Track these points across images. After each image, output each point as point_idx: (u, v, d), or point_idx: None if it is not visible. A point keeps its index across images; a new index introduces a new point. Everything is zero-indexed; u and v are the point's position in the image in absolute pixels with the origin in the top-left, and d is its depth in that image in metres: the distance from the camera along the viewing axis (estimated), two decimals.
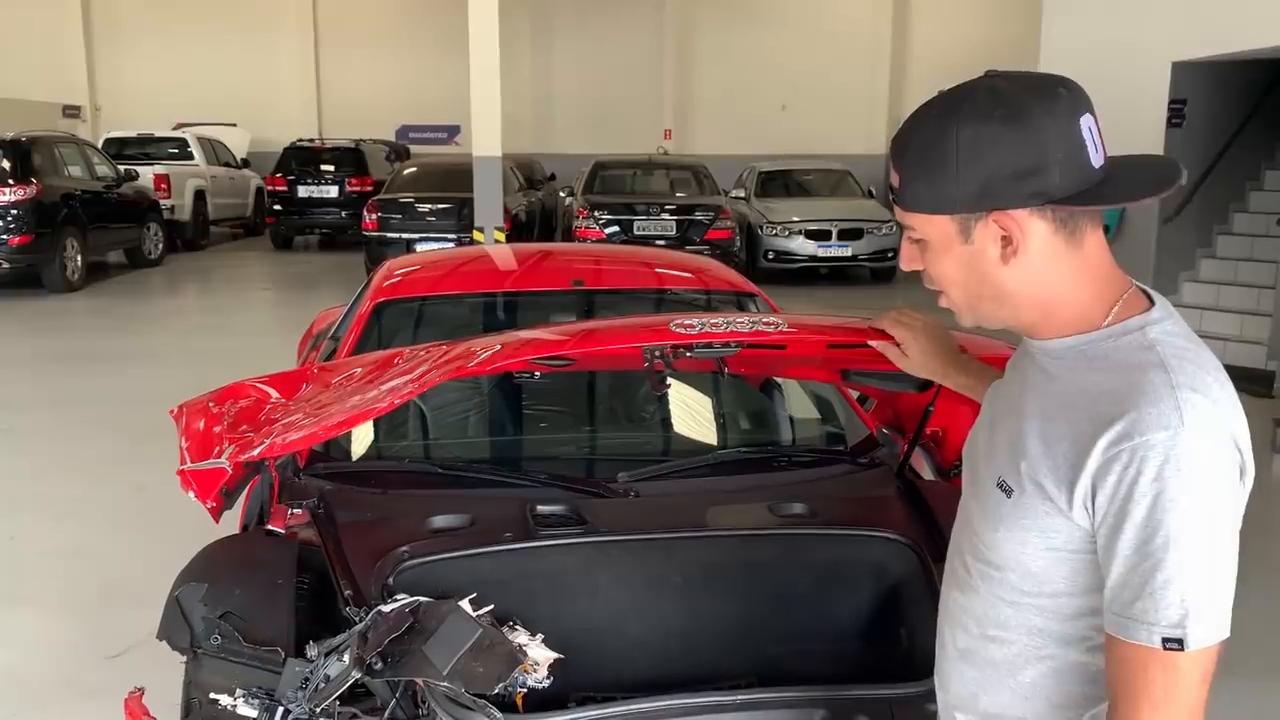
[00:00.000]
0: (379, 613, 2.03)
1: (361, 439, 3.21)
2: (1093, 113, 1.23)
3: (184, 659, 2.10)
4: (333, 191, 16.52)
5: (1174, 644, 1.13)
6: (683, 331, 1.99)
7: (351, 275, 13.05)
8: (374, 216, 12.84)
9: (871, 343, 1.81)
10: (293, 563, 2.34)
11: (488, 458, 3.18)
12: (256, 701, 1.95)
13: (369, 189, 15.70)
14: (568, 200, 14.94)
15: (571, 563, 2.34)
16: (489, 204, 11.70)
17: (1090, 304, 1.26)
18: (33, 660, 3.75)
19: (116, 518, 5.07)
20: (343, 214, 16.32)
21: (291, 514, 2.57)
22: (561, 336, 2.31)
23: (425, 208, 13.01)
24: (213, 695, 1.99)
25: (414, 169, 14.74)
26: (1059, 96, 1.22)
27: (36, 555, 4.71)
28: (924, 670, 1.70)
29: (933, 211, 1.27)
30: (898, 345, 1.76)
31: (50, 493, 5.47)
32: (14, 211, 11.25)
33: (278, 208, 16.68)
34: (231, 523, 2.74)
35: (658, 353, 2.06)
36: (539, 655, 2.02)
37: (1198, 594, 1.14)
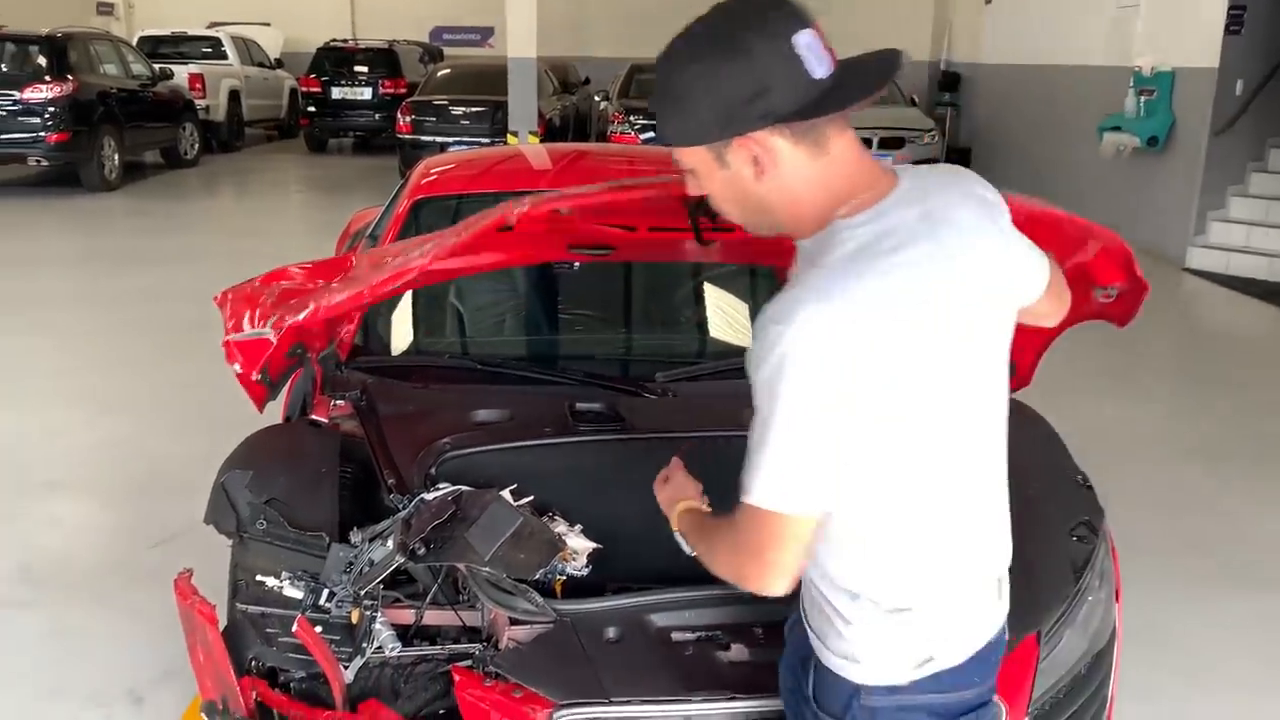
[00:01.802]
0: (422, 500, 2.07)
1: (401, 335, 3.24)
2: (810, 25, 1.31)
3: (230, 543, 2.16)
4: (366, 94, 16.37)
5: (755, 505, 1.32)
6: None
7: (385, 179, 13.00)
8: (408, 119, 12.75)
9: None
10: (336, 452, 2.38)
11: (526, 355, 3.20)
12: (302, 584, 2.01)
13: (403, 91, 15.54)
14: (602, 104, 14.73)
15: (609, 458, 2.37)
16: (523, 107, 11.56)
17: (826, 206, 1.36)
18: (82, 546, 3.88)
19: (158, 411, 5.17)
20: (376, 116, 16.20)
21: (334, 405, 2.61)
22: (597, 190, 2.22)
23: (459, 110, 12.90)
24: (259, 577, 2.05)
25: (448, 71, 14.56)
26: (768, 20, 1.30)
27: (82, 447, 4.82)
28: None
29: (687, 144, 1.39)
30: None
31: (92, 387, 5.57)
32: (51, 109, 11.26)
33: (312, 109, 16.57)
34: (274, 416, 2.79)
35: (701, 209, 2.00)
36: (578, 544, 2.06)
37: (758, 468, 1.31)
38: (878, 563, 1.42)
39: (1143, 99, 9.45)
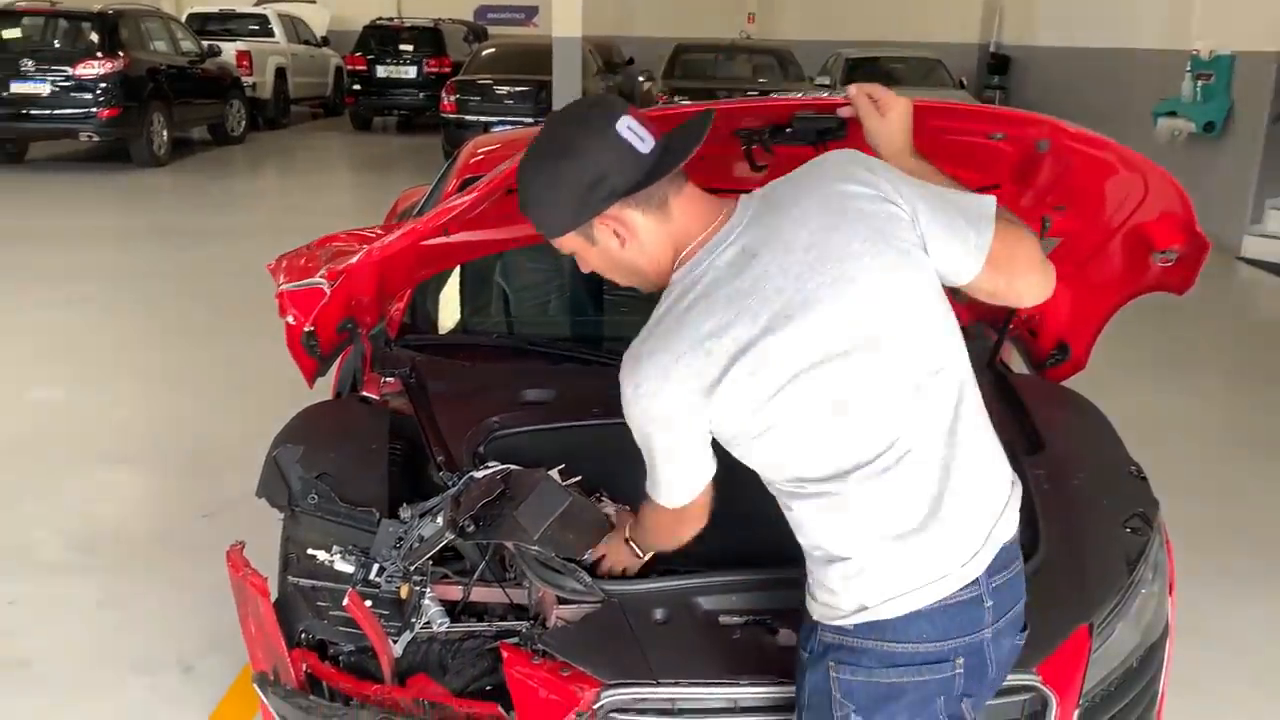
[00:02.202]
0: (471, 478, 2.08)
1: (449, 314, 3.25)
2: (627, 112, 1.52)
3: (281, 516, 2.19)
4: (411, 72, 16.41)
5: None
6: (783, 99, 1.92)
7: (429, 158, 13.07)
8: (452, 98, 12.76)
9: (850, 90, 1.82)
10: (386, 429, 2.39)
11: (572, 335, 3.20)
12: (353, 558, 2.02)
13: (447, 70, 15.56)
14: (646, 85, 14.66)
15: None
16: (567, 87, 11.55)
17: (672, 260, 1.58)
18: (134, 516, 3.95)
19: (208, 386, 5.24)
20: (420, 95, 16.23)
21: (384, 382, 2.63)
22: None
23: (503, 90, 12.89)
24: (310, 551, 2.07)
25: (492, 50, 14.54)
26: (591, 119, 1.53)
27: (133, 420, 4.90)
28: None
29: (558, 235, 1.60)
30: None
31: (143, 361, 5.66)
32: (103, 84, 11.40)
33: (357, 88, 16.64)
34: (324, 393, 2.81)
35: (755, 137, 2.00)
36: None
37: (657, 482, 1.64)
38: (814, 517, 1.56)
39: (1200, 83, 9.24)
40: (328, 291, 2.22)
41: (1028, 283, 1.65)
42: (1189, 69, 9.40)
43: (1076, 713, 1.89)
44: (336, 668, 2.00)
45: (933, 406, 1.53)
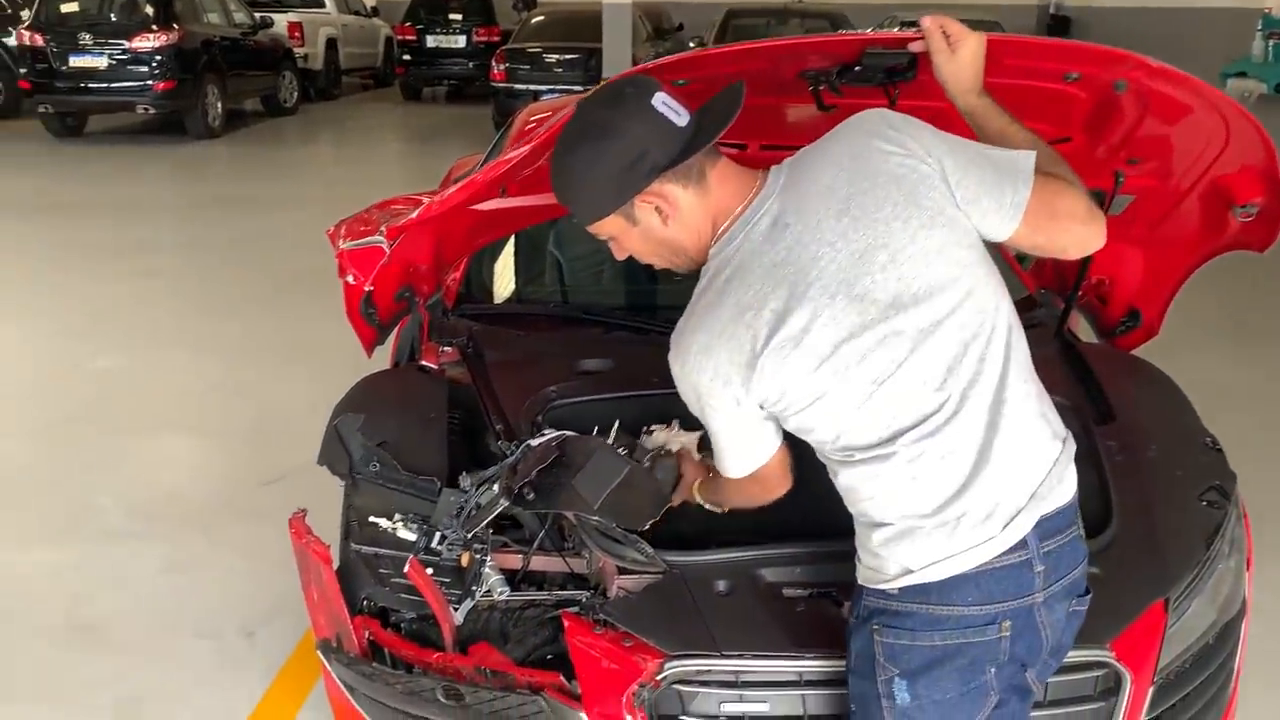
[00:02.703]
0: (527, 445, 2.06)
1: (503, 283, 3.24)
2: (661, 89, 1.53)
3: (342, 484, 2.19)
4: (460, 41, 16.38)
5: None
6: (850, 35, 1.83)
7: (480, 127, 13.07)
8: (502, 67, 12.73)
9: (925, 22, 1.74)
10: (444, 398, 2.39)
11: (627, 305, 3.17)
12: (415, 526, 2.02)
13: (496, 39, 15.53)
14: None
15: None
16: (618, 54, 11.46)
17: (710, 234, 1.58)
18: (195, 484, 4.00)
19: (267, 355, 5.29)
20: (470, 65, 16.19)
21: (442, 351, 2.62)
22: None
23: (553, 58, 12.84)
24: (371, 518, 2.07)
25: (541, 18, 14.48)
26: (626, 97, 1.52)
27: (192, 389, 4.97)
28: (1084, 531, 1.65)
29: (599, 219, 1.58)
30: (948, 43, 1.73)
31: (203, 331, 5.73)
32: (158, 57, 11.53)
33: (407, 58, 16.65)
34: (382, 363, 2.82)
35: (822, 78, 1.94)
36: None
37: (719, 453, 1.65)
38: (861, 483, 1.55)
39: (1272, 42, 8.98)
40: (387, 250, 2.21)
41: (1072, 237, 1.62)
42: (1260, 28, 9.12)
43: (1151, 690, 1.84)
44: (399, 635, 2.00)
45: (979, 365, 1.51)
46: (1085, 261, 2.51)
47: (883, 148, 1.53)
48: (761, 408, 1.55)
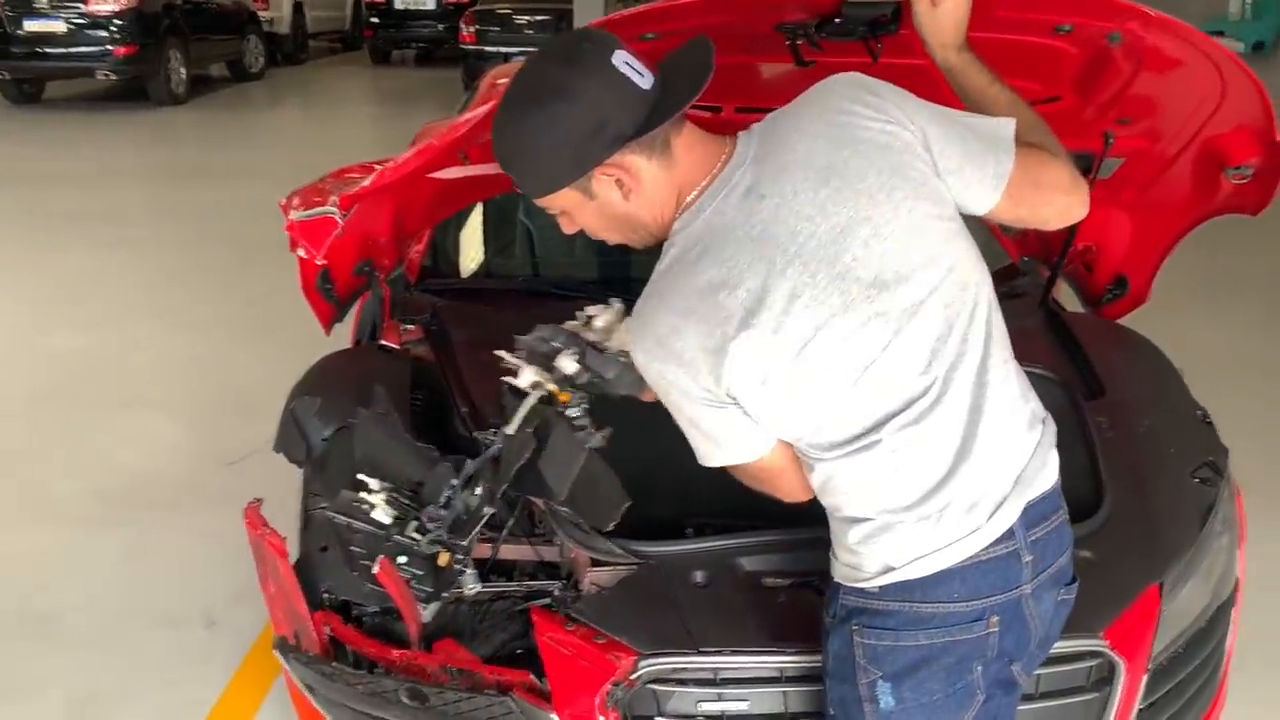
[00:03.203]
0: (506, 436, 1.94)
1: (470, 253, 3.13)
2: (621, 46, 1.35)
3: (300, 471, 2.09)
4: (429, 3, 16.09)
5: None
6: None
7: (450, 90, 12.81)
8: (471, 29, 12.54)
9: None
10: (407, 379, 2.28)
11: (600, 278, 3.06)
12: (395, 507, 1.88)
13: (465, 1, 15.24)
14: None
15: None
16: (589, 15, 11.20)
17: (674, 206, 1.43)
18: (157, 465, 3.87)
19: (231, 329, 5.15)
20: (440, 27, 15.93)
21: (404, 330, 2.51)
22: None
23: (523, 19, 12.64)
24: (359, 477, 1.88)
25: None
26: (584, 53, 1.35)
27: (157, 363, 4.84)
28: (1075, 513, 1.57)
29: (550, 193, 1.42)
30: None
31: (167, 303, 5.58)
32: (117, 21, 11.23)
33: (375, 21, 16.37)
34: (341, 340, 2.70)
35: (799, 30, 1.81)
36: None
37: (694, 445, 1.49)
38: (838, 476, 1.44)
39: (1247, 1, 8.87)
40: (340, 221, 2.08)
41: (1054, 209, 1.54)
42: None
43: (1144, 678, 1.77)
44: (360, 630, 1.91)
45: (961, 346, 1.41)
46: (1072, 228, 2.42)
47: (863, 114, 1.41)
48: (733, 399, 1.40)
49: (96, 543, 3.34)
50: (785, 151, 1.41)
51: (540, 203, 1.46)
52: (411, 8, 16.14)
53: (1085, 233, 2.54)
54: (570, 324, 1.80)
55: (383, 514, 1.87)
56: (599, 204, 1.42)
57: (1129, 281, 2.60)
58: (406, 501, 1.88)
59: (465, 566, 1.83)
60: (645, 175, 1.39)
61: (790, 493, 1.53)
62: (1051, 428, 1.53)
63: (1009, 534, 1.43)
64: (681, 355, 1.37)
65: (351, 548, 1.88)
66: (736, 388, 1.38)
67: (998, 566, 1.43)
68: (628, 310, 1.72)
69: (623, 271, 3.08)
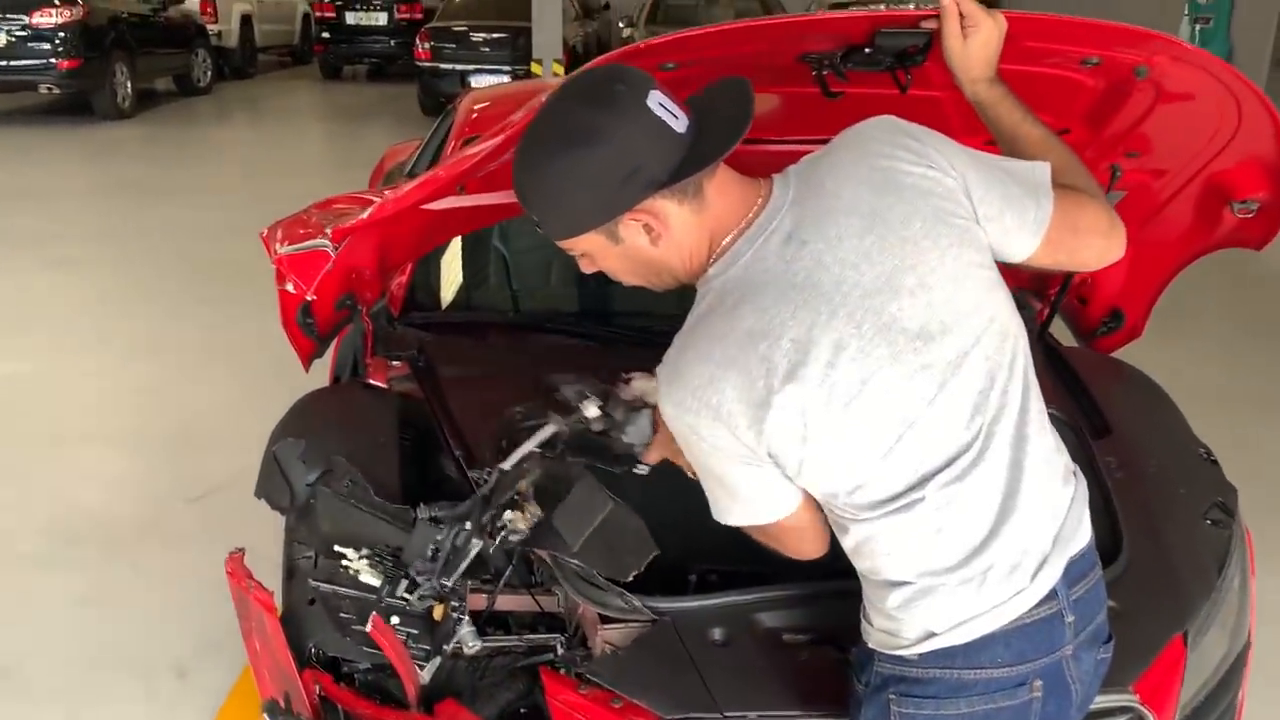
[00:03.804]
0: (501, 472, 1.85)
1: (450, 283, 3.03)
2: (656, 86, 1.29)
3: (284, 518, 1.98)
4: (382, 19, 15.95)
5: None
6: (860, 11, 1.63)
7: (403, 107, 12.70)
8: (426, 46, 12.38)
9: (944, 0, 1.55)
10: (394, 418, 2.19)
11: (588, 309, 2.97)
12: (381, 569, 1.80)
13: (419, 17, 15.18)
14: (627, 31, 14.28)
15: None
16: (548, 34, 11.12)
17: (709, 252, 1.37)
18: (113, 502, 3.69)
19: (186, 355, 4.97)
20: (392, 43, 15.82)
21: (391, 366, 2.41)
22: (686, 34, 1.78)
23: (479, 37, 12.51)
24: (338, 548, 1.82)
25: None
26: (618, 96, 1.28)
27: (113, 393, 4.65)
28: None
29: (574, 235, 1.36)
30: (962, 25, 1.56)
31: (117, 328, 5.38)
32: (62, 34, 10.93)
33: (326, 35, 16.17)
34: (319, 377, 2.59)
35: (825, 61, 1.74)
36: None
37: (714, 503, 1.43)
38: (876, 538, 1.37)
39: (1198, 26, 9.08)
40: (333, 255, 1.99)
41: (1093, 252, 1.51)
42: (1186, 12, 9.23)
43: None
44: (353, 689, 1.80)
45: (1002, 399, 1.36)
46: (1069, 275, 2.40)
47: (904, 158, 1.36)
48: (771, 457, 1.33)
49: (51, 586, 3.18)
50: (826, 197, 1.35)
51: (562, 245, 1.40)
52: (364, 23, 15.98)
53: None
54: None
55: (369, 577, 1.79)
56: (624, 249, 1.36)
57: (1125, 315, 2.58)
58: (390, 562, 1.79)
59: (461, 614, 1.75)
60: (675, 220, 1.34)
61: (802, 550, 1.48)
62: (1083, 481, 1.49)
63: (1052, 594, 1.38)
64: (719, 408, 1.30)
65: (342, 615, 1.79)
66: (777, 443, 1.31)
67: (1041, 628, 1.38)
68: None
69: (611, 303, 3.01)
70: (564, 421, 1.74)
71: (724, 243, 1.36)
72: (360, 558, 1.80)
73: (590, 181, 1.29)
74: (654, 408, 1.74)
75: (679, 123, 1.30)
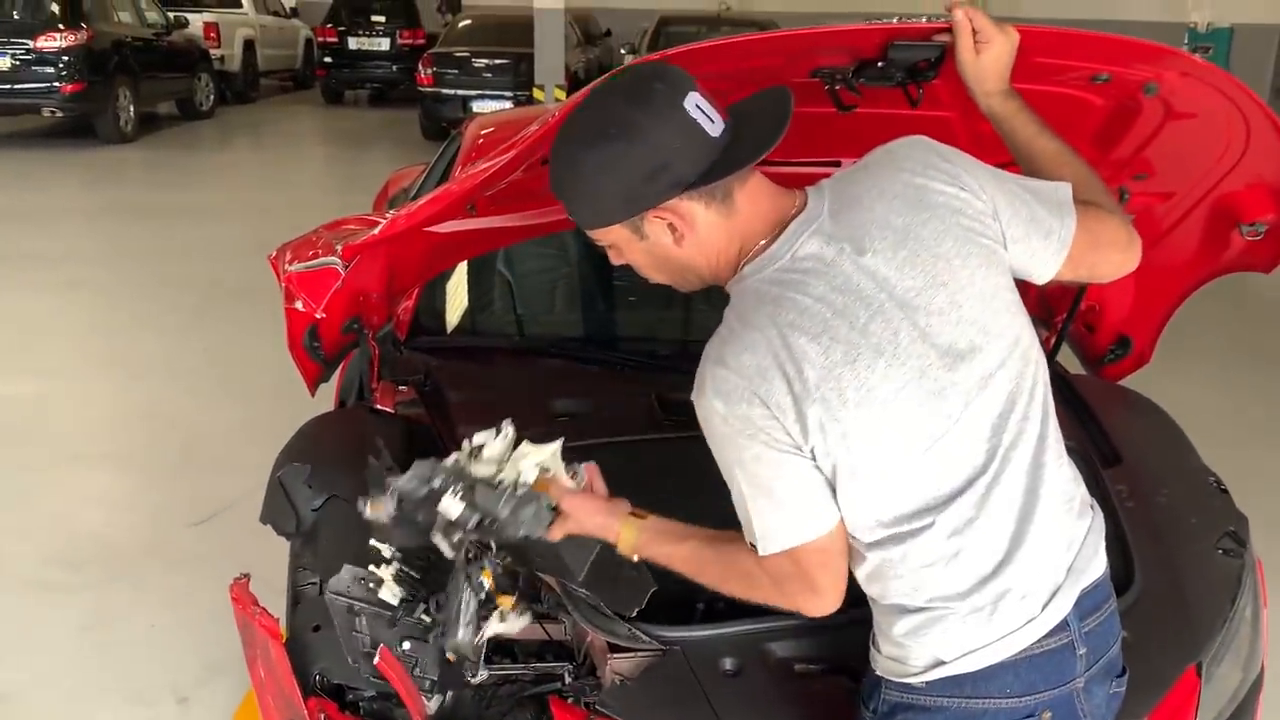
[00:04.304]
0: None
1: (456, 308, 3.03)
2: (696, 88, 1.31)
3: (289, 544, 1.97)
4: (384, 44, 16.07)
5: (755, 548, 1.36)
6: (872, 25, 1.61)
7: (405, 132, 12.75)
8: (429, 71, 12.44)
9: (956, 15, 1.54)
10: (401, 443, 2.17)
11: (596, 334, 2.97)
12: (403, 588, 1.75)
13: (421, 42, 15.31)
14: (629, 58, 14.37)
15: (702, 456, 2.16)
16: (550, 60, 11.23)
17: (739, 255, 1.38)
18: (117, 526, 3.67)
19: (188, 377, 4.96)
20: (394, 68, 15.92)
21: (398, 391, 2.40)
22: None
23: (482, 63, 12.59)
24: (373, 543, 1.75)
25: (469, 22, 14.21)
26: (656, 94, 1.30)
27: (113, 416, 4.64)
28: None
29: (600, 226, 1.39)
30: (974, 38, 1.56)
31: (119, 350, 5.38)
32: (65, 58, 10.96)
33: (328, 60, 16.26)
34: (325, 402, 2.58)
35: (837, 76, 1.74)
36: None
37: (757, 518, 1.33)
38: (889, 562, 1.36)
39: (1198, 55, 9.11)
40: (343, 273, 1.98)
41: (1112, 265, 1.52)
42: (1186, 42, 9.28)
43: None
44: (358, 716, 1.79)
45: (1021, 424, 1.36)
46: (1081, 288, 2.39)
47: (937, 178, 1.38)
48: (814, 458, 1.31)
49: (53, 612, 3.15)
50: (861, 210, 1.36)
51: (590, 234, 1.43)
52: (366, 48, 16.09)
53: (1089, 292, 2.52)
54: (454, 457, 1.62)
55: (389, 593, 1.76)
56: (648, 245, 1.39)
57: (1132, 342, 2.58)
58: (416, 578, 1.77)
59: (480, 654, 1.72)
60: (700, 222, 1.35)
61: (820, 587, 1.37)
62: (1100, 514, 1.49)
63: (1063, 625, 1.37)
64: (768, 398, 1.28)
65: (354, 631, 1.77)
66: (819, 441, 1.30)
67: (1052, 660, 1.37)
68: (520, 438, 1.62)
69: (621, 328, 3.01)
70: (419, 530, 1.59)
71: (760, 243, 1.37)
72: (392, 560, 1.75)
73: (617, 175, 1.31)
74: (539, 479, 1.59)
75: (714, 126, 1.31)
